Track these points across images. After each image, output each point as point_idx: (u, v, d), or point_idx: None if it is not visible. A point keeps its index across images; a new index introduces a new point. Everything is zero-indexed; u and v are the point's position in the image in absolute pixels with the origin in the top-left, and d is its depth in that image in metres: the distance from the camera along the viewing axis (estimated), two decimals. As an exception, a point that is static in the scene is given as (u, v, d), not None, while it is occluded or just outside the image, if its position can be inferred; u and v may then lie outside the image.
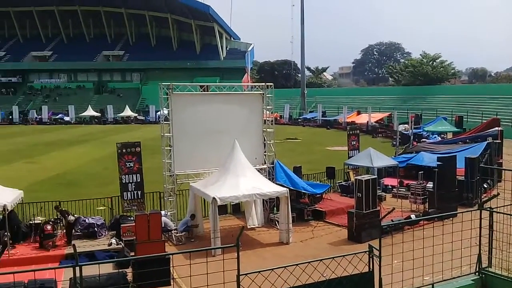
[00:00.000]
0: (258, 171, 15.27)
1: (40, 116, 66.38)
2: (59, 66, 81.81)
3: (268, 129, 16.48)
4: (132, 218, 13.64)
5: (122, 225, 13.31)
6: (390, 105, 56.69)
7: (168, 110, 15.06)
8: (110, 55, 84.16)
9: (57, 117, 66.70)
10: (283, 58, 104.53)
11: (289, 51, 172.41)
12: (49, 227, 12.87)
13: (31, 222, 13.65)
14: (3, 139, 42.06)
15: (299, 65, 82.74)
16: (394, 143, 33.05)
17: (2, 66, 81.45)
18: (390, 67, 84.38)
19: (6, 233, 12.43)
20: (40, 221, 13.52)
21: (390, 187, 19.68)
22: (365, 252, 6.63)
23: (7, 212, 12.34)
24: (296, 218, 15.31)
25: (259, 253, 12.99)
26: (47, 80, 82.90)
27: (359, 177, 14.47)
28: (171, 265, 9.48)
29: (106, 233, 13.89)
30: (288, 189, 14.33)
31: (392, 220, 13.16)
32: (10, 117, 66.68)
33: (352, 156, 21.23)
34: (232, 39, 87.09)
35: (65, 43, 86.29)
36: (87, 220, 13.70)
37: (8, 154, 32.37)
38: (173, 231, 14.14)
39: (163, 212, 14.16)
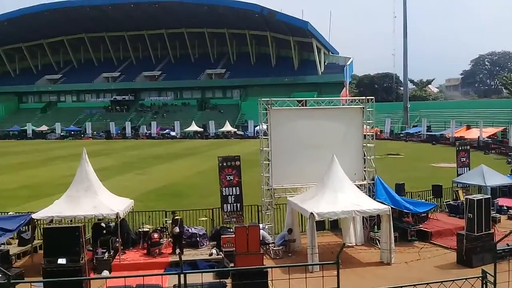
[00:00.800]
0: (358, 187, 14.81)
1: (149, 131, 71.66)
2: (167, 85, 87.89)
3: (368, 144, 15.97)
4: (231, 230, 13.97)
5: (222, 236, 13.69)
6: (505, 119, 51.97)
7: (267, 125, 15.30)
8: (213, 73, 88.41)
9: (164, 132, 71.43)
10: (384, 71, 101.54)
11: (390, 63, 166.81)
12: (156, 235, 13.67)
13: (140, 230, 14.59)
14: (118, 153, 45.92)
15: (401, 78, 79.64)
16: (510, 160, 30.20)
17: (117, 86, 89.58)
18: (504, 77, 77.79)
19: (117, 239, 13.44)
20: (148, 229, 14.41)
21: (505, 208, 17.90)
22: (478, 277, 6.04)
23: (119, 220, 13.34)
24: (398, 237, 14.54)
25: (358, 272, 12.51)
26: (156, 98, 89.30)
27: (470, 197, 13.37)
28: (269, 279, 9.49)
29: (207, 243, 14.37)
30: (389, 207, 13.70)
31: (508, 245, 11.94)
32: (124, 132, 72.82)
33: (462, 173, 19.71)
34: (330, 54, 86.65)
35: (172, 63, 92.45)
36: (190, 230, 14.31)
37: (122, 166, 35.20)
38: (270, 245, 14.21)
39: (261, 225, 14.31)
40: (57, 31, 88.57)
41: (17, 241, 14.57)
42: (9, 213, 15.30)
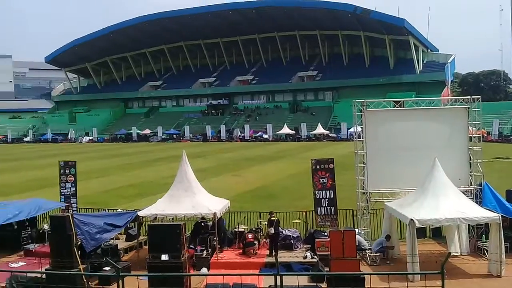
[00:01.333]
0: (463, 193, 13.80)
1: (243, 134, 73.58)
2: (259, 88, 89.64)
3: (474, 147, 14.83)
4: (326, 234, 13.78)
5: (316, 240, 13.55)
6: None
7: (362, 127, 14.88)
8: (304, 76, 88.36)
9: (257, 135, 72.84)
10: (490, 68, 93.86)
11: (496, 60, 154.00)
12: (250, 235, 13.92)
13: (236, 230, 14.97)
14: (213, 155, 47.70)
15: (510, 75, 73.13)
16: None
17: (213, 91, 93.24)
18: None
19: (215, 238, 13.92)
20: (243, 229, 14.73)
21: None
22: None
23: (216, 219, 13.80)
24: (509, 248, 13.30)
25: (464, 284, 11.65)
26: (249, 101, 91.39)
27: None
28: (366, 285, 9.19)
29: (301, 246, 14.32)
30: (499, 215, 12.57)
31: None
32: (219, 135, 75.52)
33: None
34: (430, 51, 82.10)
35: (264, 67, 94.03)
36: (284, 232, 14.37)
37: (218, 167, 36.47)
38: (367, 251, 13.77)
39: (356, 230, 13.93)
40: (158, 41, 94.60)
41: (124, 236, 15.70)
42: (117, 210, 16.57)
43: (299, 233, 14.83)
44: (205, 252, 13.62)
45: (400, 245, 14.05)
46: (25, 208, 14.76)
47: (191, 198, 14.14)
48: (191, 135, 78.31)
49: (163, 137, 79.39)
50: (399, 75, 76.79)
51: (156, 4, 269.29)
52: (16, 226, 15.34)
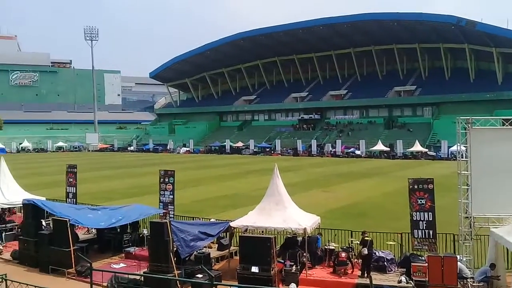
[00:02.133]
0: None
1: (334, 149, 72.48)
2: (353, 103, 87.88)
3: None
4: (423, 258, 12.96)
5: (412, 264, 12.79)
6: None
7: (466, 146, 13.85)
8: (402, 91, 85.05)
9: (349, 150, 71.29)
10: None
11: None
12: (343, 254, 13.54)
13: (326, 247, 14.66)
14: (303, 169, 47.52)
15: None
16: None
17: (304, 105, 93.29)
18: None
19: (304, 254, 13.75)
20: (334, 247, 14.38)
21: None
22: None
23: (307, 236, 13.64)
24: None
25: None
26: (342, 116, 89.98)
27: None
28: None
29: (396, 269, 13.62)
30: None
31: None
32: (310, 149, 75.17)
33: None
34: (544, 65, 74.81)
35: (358, 81, 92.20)
36: (377, 253, 13.78)
37: (308, 182, 36.23)
38: (469, 280, 12.69)
39: (458, 257, 12.93)
40: (252, 56, 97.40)
41: (216, 245, 16.12)
42: (210, 220, 17.09)
43: (394, 256, 14.13)
44: (294, 267, 13.49)
45: (507, 275, 12.79)
46: (128, 214, 15.82)
47: (282, 212, 14.15)
48: (282, 148, 78.92)
49: (254, 150, 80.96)
50: (508, 91, 70.73)
51: (250, 21, 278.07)
52: (119, 230, 16.47)
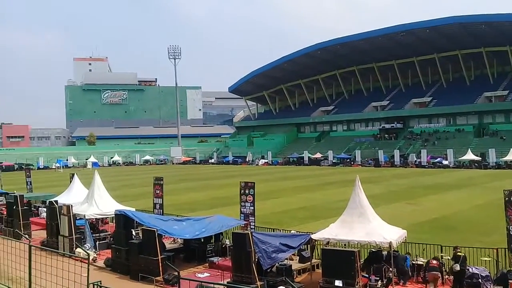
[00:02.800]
0: None
1: (419, 160, 69.22)
2: (438, 111, 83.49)
3: None
4: (523, 276, 11.86)
5: (510, 281, 11.75)
6: None
7: None
8: (492, 96, 79.43)
9: (435, 160, 67.67)
10: None
11: None
12: (434, 261, 12.78)
13: (414, 262, 13.93)
14: (386, 181, 45.86)
15: None
16: None
17: (385, 114, 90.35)
18: None
19: (390, 269, 13.15)
20: (422, 263, 13.63)
21: None
22: None
23: (393, 250, 13.05)
24: None
25: None
26: (426, 124, 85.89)
27: None
28: None
29: (491, 287, 12.58)
30: None
31: None
32: (392, 160, 72.46)
33: None
34: None
35: (444, 88, 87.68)
36: (470, 270, 12.83)
37: (391, 194, 34.86)
38: None
39: None
40: (330, 67, 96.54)
41: (297, 258, 15.97)
42: (291, 231, 16.99)
43: (489, 273, 13.06)
44: (379, 282, 12.97)
45: None
46: (211, 225, 16.21)
47: (364, 225, 13.69)
48: (362, 159, 76.92)
49: (333, 161, 79.73)
50: None
51: (320, 32, 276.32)
52: (202, 240, 16.93)
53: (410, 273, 13.76)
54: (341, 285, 11.04)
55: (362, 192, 14.54)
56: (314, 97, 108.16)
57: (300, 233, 15.95)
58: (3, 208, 25.66)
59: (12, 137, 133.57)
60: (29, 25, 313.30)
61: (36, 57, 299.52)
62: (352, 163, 76.72)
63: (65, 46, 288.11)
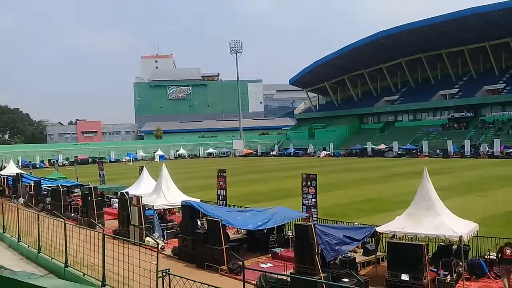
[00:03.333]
0: None
1: (491, 150, 65.31)
2: (513, 98, 78.26)
3: None
4: None
5: None
6: None
7: None
8: None
9: (510, 150, 63.51)
10: None
11: None
12: (509, 251, 12.10)
13: (486, 257, 13.26)
14: (455, 172, 43.75)
15: None
16: None
17: (455, 103, 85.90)
18: None
19: (460, 263, 12.59)
20: (495, 258, 12.92)
21: None
22: None
23: (463, 244, 12.48)
24: None
25: None
26: (500, 113, 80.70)
27: None
28: None
29: None
30: None
31: None
32: (462, 150, 68.94)
33: None
34: None
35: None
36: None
37: (461, 186, 33.24)
38: None
39: None
40: (394, 55, 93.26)
41: (362, 250, 15.71)
42: (354, 224, 16.73)
43: None
44: (449, 277, 12.45)
45: None
46: (273, 217, 16.36)
47: (433, 218, 13.18)
48: (429, 150, 73.83)
49: (398, 152, 77.18)
50: None
51: (390, 19, 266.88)
52: (265, 231, 17.12)
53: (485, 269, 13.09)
54: (408, 279, 10.74)
55: (430, 184, 14.01)
56: (378, 86, 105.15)
57: (364, 225, 15.67)
58: (79, 199, 27.40)
59: (86, 132, 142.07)
60: (99, 27, 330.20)
61: (107, 57, 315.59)
62: (418, 154, 73.83)
63: (132, 45, 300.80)
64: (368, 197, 29.51)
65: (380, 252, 14.87)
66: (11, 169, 42.37)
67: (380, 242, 14.82)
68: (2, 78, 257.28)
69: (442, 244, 13.92)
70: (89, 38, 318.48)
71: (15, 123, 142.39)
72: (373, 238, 14.77)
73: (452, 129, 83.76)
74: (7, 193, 35.25)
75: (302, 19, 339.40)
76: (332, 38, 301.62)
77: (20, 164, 74.59)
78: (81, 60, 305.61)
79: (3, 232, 19.74)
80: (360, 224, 16.69)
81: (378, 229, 13.92)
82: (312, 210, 18.03)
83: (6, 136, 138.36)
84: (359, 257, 15.13)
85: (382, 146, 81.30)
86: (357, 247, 15.40)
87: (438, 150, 72.12)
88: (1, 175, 40.70)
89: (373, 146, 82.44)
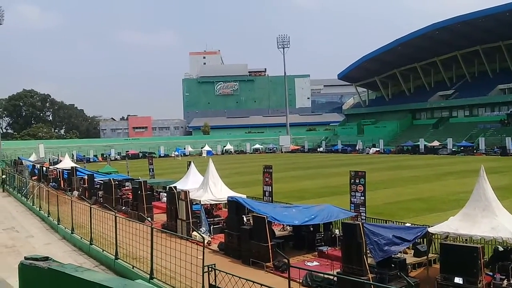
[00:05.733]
0: None
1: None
2: None
3: None
4: None
5: None
6: None
7: None
8: None
9: None
10: None
11: None
12: None
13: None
14: (515, 171, 41.46)
15: None
16: None
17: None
18: None
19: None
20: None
21: None
22: None
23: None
24: None
25: None
26: None
27: None
28: None
29: None
30: None
31: None
32: (522, 148, 65.26)
33: None
34: None
35: None
36: None
37: (521, 186, 31.42)
38: None
39: None
40: (449, 48, 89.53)
41: (412, 251, 15.13)
42: (405, 224, 16.12)
43: None
44: (505, 281, 11.72)
45: None
46: (320, 213, 16.06)
47: (490, 219, 12.43)
48: (486, 147, 70.39)
49: (453, 149, 74.10)
50: None
51: (438, 12, 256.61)
52: (312, 228, 16.86)
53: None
54: (461, 282, 10.19)
55: (488, 184, 13.24)
56: (431, 81, 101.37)
57: (416, 225, 15.07)
58: (129, 193, 28.22)
59: (137, 127, 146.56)
60: (149, 25, 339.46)
61: (156, 54, 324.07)
62: (474, 151, 70.59)
63: (181, 42, 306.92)
64: (420, 196, 28.46)
65: (432, 253, 14.25)
66: (67, 163, 44.37)
67: (432, 243, 14.21)
68: (59, 75, 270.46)
69: (499, 246, 13.13)
70: (140, 35, 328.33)
71: (70, 118, 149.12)
72: (424, 239, 14.18)
73: (511, 125, 79.40)
74: (62, 186, 36.87)
75: (351, 12, 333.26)
76: (382, 31, 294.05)
77: (74, 158, 78.13)
78: (132, 57, 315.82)
79: (58, 224, 20.64)
80: (411, 224, 16.07)
81: (430, 229, 13.31)
82: (360, 208, 17.56)
83: (62, 131, 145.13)
84: (410, 258, 14.58)
85: (436, 143, 78.36)
86: (408, 248, 14.86)
87: (496, 148, 68.63)
88: (57, 168, 42.69)
89: (426, 143, 79.64)
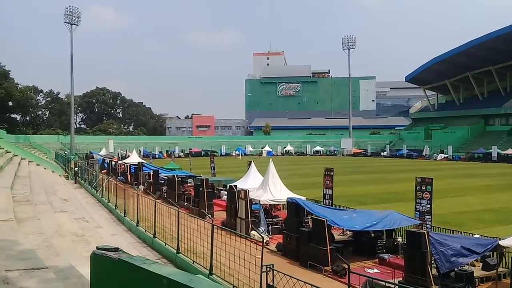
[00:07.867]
0: None
1: None
2: None
3: None
4: None
5: None
6: None
7: None
8: None
9: None
10: None
11: None
12: None
13: None
14: None
15: None
16: None
17: None
18: None
19: None
20: None
21: None
22: None
23: None
24: None
25: None
26: None
27: None
28: None
29: None
30: None
31: None
32: None
33: None
34: None
35: None
36: None
37: None
38: None
39: None
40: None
41: (481, 264, 14.29)
42: (474, 235, 15.25)
43: None
44: None
45: None
46: (383, 220, 15.55)
47: None
48: None
49: (529, 158, 69.19)
50: None
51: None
52: (373, 235, 16.39)
53: None
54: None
55: None
56: (507, 85, 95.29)
57: (486, 237, 14.21)
58: (192, 190, 28.93)
59: (200, 126, 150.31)
60: (214, 27, 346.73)
61: (221, 55, 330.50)
62: None
63: (245, 43, 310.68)
64: (491, 206, 26.85)
65: (503, 267, 13.39)
66: (134, 158, 46.30)
67: (504, 257, 13.33)
68: (129, 74, 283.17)
69: None
70: (205, 36, 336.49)
71: (138, 116, 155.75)
72: (495, 252, 13.34)
73: None
74: (129, 180, 38.52)
75: (418, 13, 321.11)
76: (452, 33, 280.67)
77: (141, 154, 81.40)
78: (198, 58, 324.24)
79: (124, 216, 21.56)
80: (480, 235, 15.18)
81: (502, 242, 12.51)
82: (426, 216, 16.83)
83: (131, 128, 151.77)
84: (478, 271, 13.78)
85: (510, 151, 73.53)
86: (476, 260, 14.05)
87: None
88: (125, 163, 44.68)
89: (499, 150, 75.00)
